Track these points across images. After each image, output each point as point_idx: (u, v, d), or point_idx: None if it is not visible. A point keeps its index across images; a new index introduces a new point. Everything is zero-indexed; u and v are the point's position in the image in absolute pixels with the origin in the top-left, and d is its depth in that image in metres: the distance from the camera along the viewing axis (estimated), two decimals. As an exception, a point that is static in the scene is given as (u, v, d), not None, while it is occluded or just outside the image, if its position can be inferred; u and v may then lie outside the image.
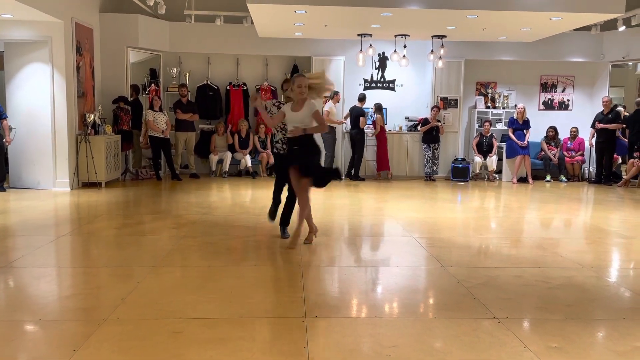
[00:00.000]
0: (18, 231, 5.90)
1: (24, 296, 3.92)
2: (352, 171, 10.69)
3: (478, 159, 11.00)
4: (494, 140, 11.06)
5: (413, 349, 3.05)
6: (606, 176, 10.57)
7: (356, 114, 10.53)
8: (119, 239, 5.59)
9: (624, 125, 10.64)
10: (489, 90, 11.67)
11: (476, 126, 11.44)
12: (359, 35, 10.24)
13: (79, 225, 6.25)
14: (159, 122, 9.94)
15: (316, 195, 7.91)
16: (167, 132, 10.06)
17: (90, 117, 8.97)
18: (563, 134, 11.32)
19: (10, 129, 8.49)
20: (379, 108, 10.78)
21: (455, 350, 3.04)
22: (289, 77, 11.09)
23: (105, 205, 7.54)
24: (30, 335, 3.26)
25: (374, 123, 10.78)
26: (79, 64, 8.91)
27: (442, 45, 10.33)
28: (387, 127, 11.11)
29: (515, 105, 11.21)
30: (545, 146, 11.22)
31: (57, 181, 8.73)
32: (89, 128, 8.96)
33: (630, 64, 12.39)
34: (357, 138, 10.60)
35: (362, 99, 10.66)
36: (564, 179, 11.00)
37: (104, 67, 9.97)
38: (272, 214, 5.93)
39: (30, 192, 8.42)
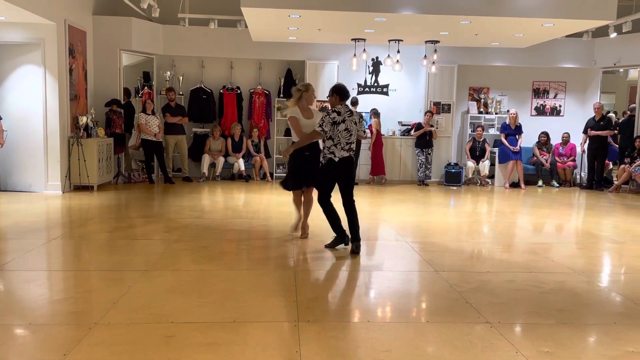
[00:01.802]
0: (9, 234, 5.86)
1: (14, 300, 3.89)
2: None
3: (471, 163, 11.05)
4: (486, 145, 11.11)
5: (406, 354, 3.05)
6: (597, 182, 10.64)
7: None
8: (110, 243, 5.56)
9: (616, 131, 10.72)
10: (482, 96, 11.73)
11: (469, 131, 11.49)
12: (352, 39, 10.26)
13: (70, 229, 6.21)
14: (151, 125, 9.91)
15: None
16: (159, 136, 10.03)
17: (83, 119, 8.92)
18: (555, 140, 11.39)
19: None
20: (375, 113, 10.80)
21: (447, 355, 3.05)
22: (282, 81, 11.13)
23: (97, 208, 7.50)
24: (20, 339, 3.23)
25: (370, 127, 10.80)
26: (71, 66, 8.87)
27: (436, 50, 10.37)
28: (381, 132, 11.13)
29: (508, 111, 11.27)
30: (537, 151, 11.28)
31: (49, 184, 8.67)
32: (81, 131, 8.91)
33: (622, 70, 12.52)
34: None
35: (355, 102, 10.66)
36: (555, 184, 11.05)
37: (97, 69, 9.93)
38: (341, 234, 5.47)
39: (22, 195, 8.36)
